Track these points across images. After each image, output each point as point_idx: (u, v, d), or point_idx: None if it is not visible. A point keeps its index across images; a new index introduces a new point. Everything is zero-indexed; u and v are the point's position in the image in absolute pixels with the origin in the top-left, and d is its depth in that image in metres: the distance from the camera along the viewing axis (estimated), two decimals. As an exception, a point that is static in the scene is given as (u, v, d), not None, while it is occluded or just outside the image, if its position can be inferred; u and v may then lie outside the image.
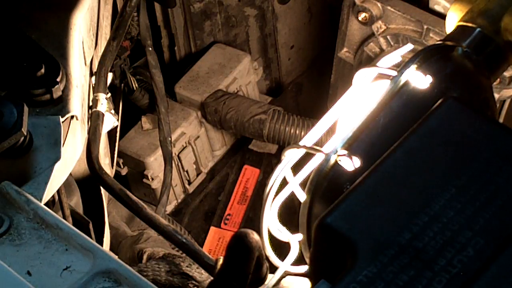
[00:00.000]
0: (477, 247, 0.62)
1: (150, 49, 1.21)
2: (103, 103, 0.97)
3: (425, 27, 1.10)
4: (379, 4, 1.14)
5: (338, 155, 0.69)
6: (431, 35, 1.10)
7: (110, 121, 0.99)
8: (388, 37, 1.15)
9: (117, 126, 1.13)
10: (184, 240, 0.84)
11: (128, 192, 0.89)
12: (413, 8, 1.13)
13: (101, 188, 1.02)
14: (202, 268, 0.84)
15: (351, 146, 0.70)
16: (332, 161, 0.70)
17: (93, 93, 0.97)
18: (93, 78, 1.00)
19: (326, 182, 0.70)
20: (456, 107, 0.71)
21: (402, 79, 0.73)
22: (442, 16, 1.08)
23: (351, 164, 0.69)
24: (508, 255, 0.61)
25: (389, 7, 1.13)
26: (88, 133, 0.94)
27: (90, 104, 0.97)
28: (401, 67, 0.74)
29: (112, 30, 1.03)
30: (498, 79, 1.05)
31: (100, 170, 0.90)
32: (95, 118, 0.95)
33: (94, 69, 1.01)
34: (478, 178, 0.66)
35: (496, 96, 1.07)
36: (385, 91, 0.73)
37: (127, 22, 1.03)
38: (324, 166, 0.70)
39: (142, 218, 0.88)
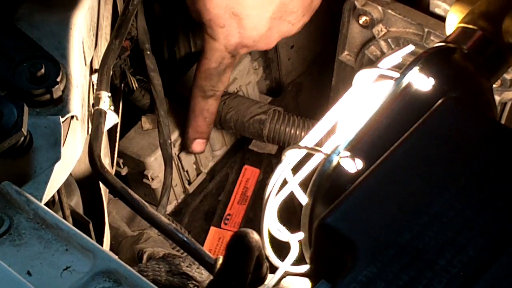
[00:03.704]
0: (477, 247, 0.62)
1: (148, 52, 1.22)
2: (106, 101, 0.96)
3: (426, 30, 1.10)
4: (379, 8, 1.14)
5: (341, 157, 0.70)
6: (432, 38, 1.10)
7: (112, 118, 0.99)
8: (389, 40, 1.15)
9: (117, 126, 1.13)
10: (185, 239, 0.84)
11: (129, 191, 0.89)
12: (413, 11, 1.13)
13: (101, 188, 1.02)
14: (203, 266, 0.84)
15: (354, 148, 0.70)
16: (334, 162, 0.70)
17: (96, 91, 0.97)
18: (94, 77, 1.00)
19: (329, 184, 0.70)
20: (455, 107, 0.71)
21: (405, 81, 0.73)
22: (443, 19, 1.08)
23: (353, 165, 0.69)
24: (508, 255, 0.61)
25: (389, 11, 1.13)
26: (90, 131, 0.94)
27: (92, 102, 0.97)
28: (403, 68, 0.74)
29: (114, 29, 1.03)
30: (499, 81, 1.05)
31: (101, 168, 0.90)
32: (97, 116, 0.95)
33: (92, 77, 1.01)
34: (478, 178, 0.66)
35: (497, 98, 1.07)
36: (388, 92, 0.73)
37: (129, 20, 1.03)
38: (326, 167, 0.70)
39: (143, 217, 0.88)
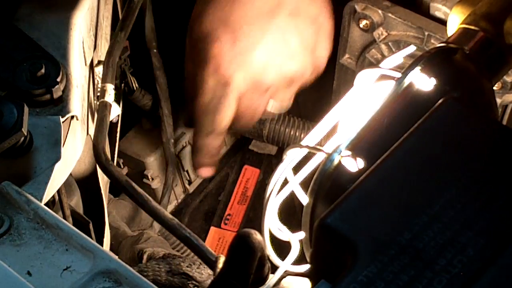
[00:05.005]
0: (478, 247, 0.62)
1: (155, 51, 1.22)
2: (111, 93, 0.96)
3: (426, 33, 1.10)
4: (379, 11, 1.14)
5: (342, 156, 0.70)
6: (432, 41, 1.10)
7: (115, 111, 0.99)
8: (389, 43, 1.15)
9: (117, 126, 1.13)
10: (187, 235, 0.84)
11: (134, 185, 0.88)
12: (414, 15, 1.13)
13: (101, 188, 1.02)
14: (204, 263, 0.84)
15: (355, 147, 0.70)
16: (336, 161, 0.70)
17: (101, 83, 0.97)
18: (98, 69, 1.00)
19: (330, 183, 0.70)
20: (455, 107, 0.71)
21: (407, 81, 0.73)
22: (443, 23, 1.08)
23: (355, 164, 0.69)
24: (508, 255, 0.61)
25: (390, 14, 1.13)
26: (95, 123, 0.94)
27: (98, 94, 0.97)
28: (405, 68, 0.74)
29: (119, 21, 1.03)
30: (500, 84, 1.05)
31: (106, 161, 0.90)
32: (102, 109, 0.95)
33: (95, 69, 1.01)
34: (478, 178, 0.66)
35: (498, 101, 1.07)
36: (390, 92, 0.73)
37: (134, 12, 1.03)
38: (327, 166, 0.70)
39: (147, 211, 0.87)
